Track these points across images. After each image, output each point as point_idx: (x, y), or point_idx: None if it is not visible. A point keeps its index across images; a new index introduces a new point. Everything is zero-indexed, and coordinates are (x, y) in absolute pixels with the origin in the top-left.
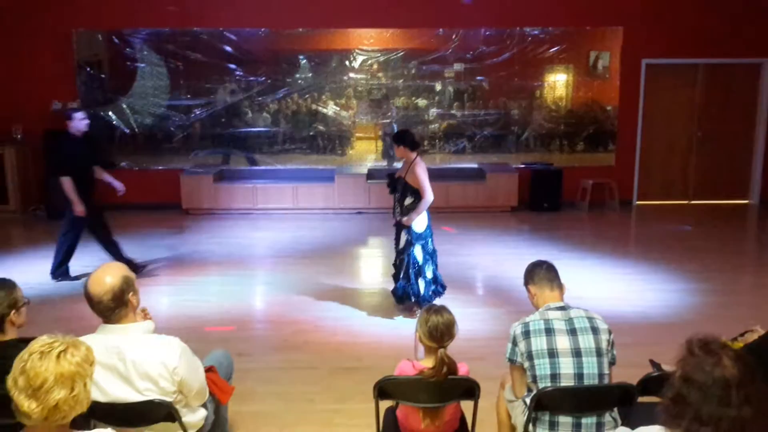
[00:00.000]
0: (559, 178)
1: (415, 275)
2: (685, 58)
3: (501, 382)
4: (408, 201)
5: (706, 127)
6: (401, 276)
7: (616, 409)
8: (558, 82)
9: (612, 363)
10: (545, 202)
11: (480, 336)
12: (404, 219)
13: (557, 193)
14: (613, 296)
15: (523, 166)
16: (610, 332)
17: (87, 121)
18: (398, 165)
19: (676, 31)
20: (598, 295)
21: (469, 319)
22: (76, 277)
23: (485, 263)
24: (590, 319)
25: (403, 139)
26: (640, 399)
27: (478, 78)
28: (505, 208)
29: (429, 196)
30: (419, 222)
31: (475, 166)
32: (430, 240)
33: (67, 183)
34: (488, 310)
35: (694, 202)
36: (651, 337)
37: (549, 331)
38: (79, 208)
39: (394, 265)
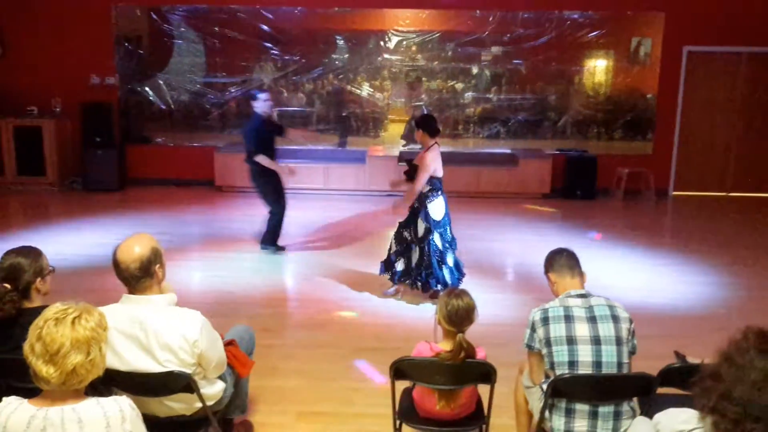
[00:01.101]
0: (594, 166)
1: (437, 263)
2: (728, 46)
3: (519, 368)
4: (425, 189)
5: (748, 118)
6: (423, 265)
7: (635, 399)
8: (597, 68)
9: (632, 352)
10: (579, 189)
11: (503, 322)
12: (392, 207)
13: (592, 180)
14: (643, 287)
15: (557, 152)
16: (631, 321)
17: (271, 103)
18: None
19: (720, 18)
20: (627, 285)
21: (494, 304)
22: (282, 248)
23: (513, 250)
24: (611, 307)
25: (425, 124)
26: (661, 390)
27: (515, 61)
28: (537, 194)
29: (418, 185)
30: (437, 209)
31: (508, 151)
32: (448, 228)
33: (265, 159)
34: (513, 297)
35: (732, 194)
36: (679, 329)
37: (568, 318)
38: (286, 174)
39: (397, 241)
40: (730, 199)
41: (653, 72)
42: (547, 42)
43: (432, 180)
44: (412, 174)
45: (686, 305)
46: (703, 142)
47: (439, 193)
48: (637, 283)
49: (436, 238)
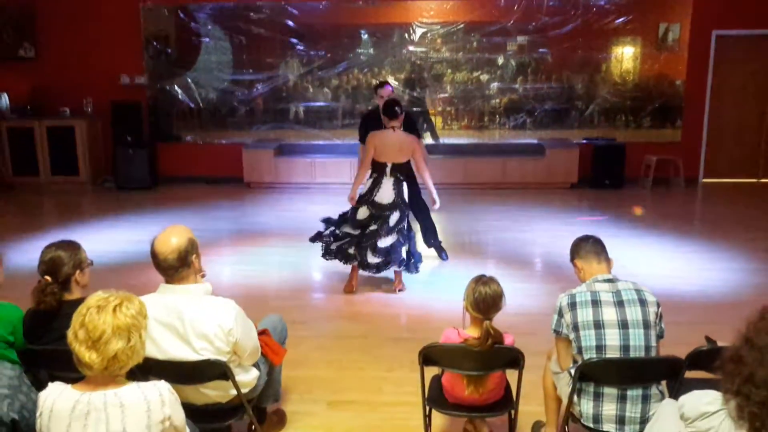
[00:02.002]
0: (621, 154)
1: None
2: (757, 29)
3: (547, 354)
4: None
5: None
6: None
7: (664, 383)
8: (625, 55)
9: (660, 336)
10: (607, 178)
11: (532, 311)
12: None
13: (620, 169)
14: (672, 274)
15: (584, 141)
16: (658, 305)
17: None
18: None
19: (749, 1)
20: (656, 273)
21: (522, 294)
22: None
23: (541, 240)
24: (638, 291)
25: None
26: (689, 374)
27: (541, 50)
28: (565, 184)
29: (360, 164)
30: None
31: (534, 141)
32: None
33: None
34: (541, 286)
35: (763, 180)
36: (708, 316)
37: (595, 303)
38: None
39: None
40: (761, 186)
41: (681, 58)
42: (572, 30)
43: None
44: None
45: (716, 292)
46: (733, 128)
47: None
48: (667, 271)
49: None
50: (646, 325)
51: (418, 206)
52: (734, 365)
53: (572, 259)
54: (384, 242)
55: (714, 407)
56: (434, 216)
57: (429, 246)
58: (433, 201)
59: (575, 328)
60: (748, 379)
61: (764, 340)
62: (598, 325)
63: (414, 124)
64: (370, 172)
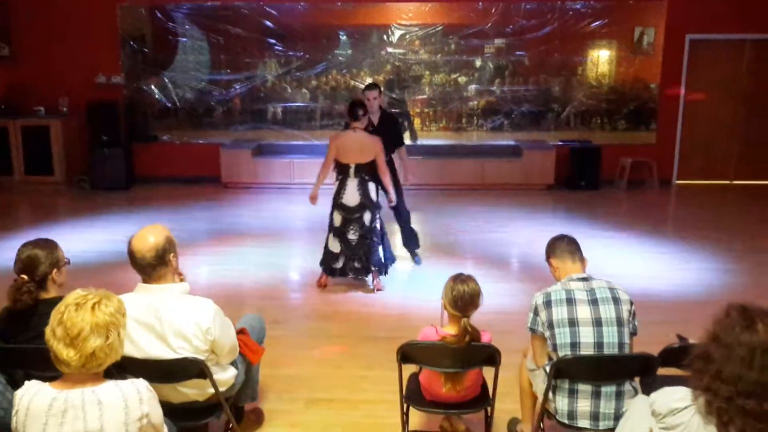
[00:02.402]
0: (597, 156)
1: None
2: (731, 34)
3: (523, 352)
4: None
5: (751, 106)
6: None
7: (637, 379)
8: (600, 58)
9: (633, 333)
10: (583, 180)
11: (509, 310)
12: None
13: (595, 171)
14: (648, 274)
15: (561, 143)
16: (631, 303)
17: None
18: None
19: (722, 5)
20: (630, 273)
21: (500, 293)
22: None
23: (518, 240)
24: (612, 289)
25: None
26: (661, 370)
27: (518, 53)
28: (542, 185)
29: (324, 163)
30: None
31: (511, 143)
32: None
33: None
34: (518, 286)
35: (735, 182)
36: (682, 315)
37: (570, 301)
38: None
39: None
40: (733, 187)
41: (656, 61)
42: (549, 33)
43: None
44: None
45: (689, 291)
46: (707, 131)
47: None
48: (640, 271)
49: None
50: (620, 323)
51: (399, 213)
52: (702, 362)
53: (547, 258)
54: (369, 243)
55: (684, 403)
56: (414, 216)
57: (408, 250)
58: (390, 199)
59: (550, 325)
60: (716, 376)
61: (730, 337)
62: (573, 323)
63: (397, 125)
64: (336, 174)
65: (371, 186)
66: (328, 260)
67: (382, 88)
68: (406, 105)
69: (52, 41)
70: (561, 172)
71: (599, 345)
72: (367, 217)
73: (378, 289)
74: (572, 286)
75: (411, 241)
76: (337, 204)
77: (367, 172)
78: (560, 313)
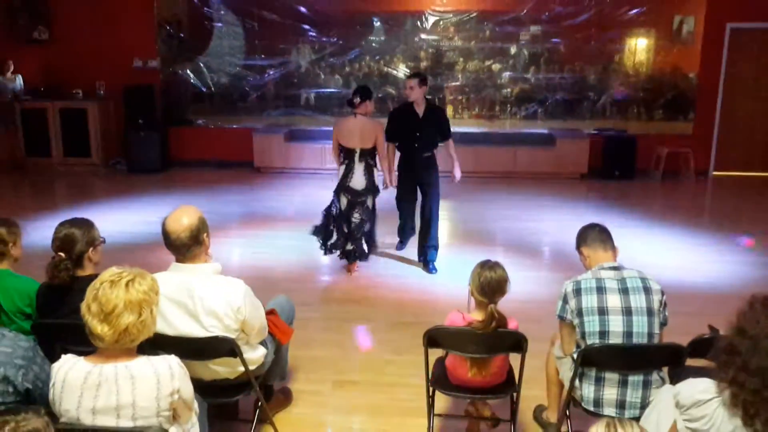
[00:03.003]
0: (632, 146)
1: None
2: None
3: (551, 339)
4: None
5: None
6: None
7: (665, 369)
8: (638, 46)
9: (663, 324)
10: (617, 169)
11: (539, 299)
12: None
13: (630, 161)
14: (681, 266)
15: (595, 132)
16: (662, 293)
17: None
18: None
19: None
20: (664, 264)
21: (529, 282)
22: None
23: (549, 229)
24: (643, 279)
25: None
26: (690, 361)
27: (554, 40)
28: (575, 175)
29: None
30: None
31: (545, 131)
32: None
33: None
34: (548, 275)
35: None
36: (716, 307)
37: (600, 290)
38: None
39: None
40: None
41: (695, 50)
42: (586, 20)
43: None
44: None
45: (724, 284)
46: (745, 121)
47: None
48: (675, 262)
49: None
50: (650, 313)
51: (422, 208)
52: (728, 355)
53: (578, 247)
54: (366, 226)
55: (708, 395)
56: (445, 203)
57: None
58: (385, 184)
59: (579, 313)
60: (742, 368)
61: (755, 329)
62: (602, 311)
63: (444, 117)
64: (342, 158)
65: (376, 171)
66: (325, 237)
67: (427, 78)
68: (442, 95)
69: (91, 26)
70: (595, 162)
71: (628, 334)
72: (369, 201)
73: (352, 272)
74: (603, 275)
75: (422, 243)
76: (344, 187)
77: (372, 156)
78: (590, 301)
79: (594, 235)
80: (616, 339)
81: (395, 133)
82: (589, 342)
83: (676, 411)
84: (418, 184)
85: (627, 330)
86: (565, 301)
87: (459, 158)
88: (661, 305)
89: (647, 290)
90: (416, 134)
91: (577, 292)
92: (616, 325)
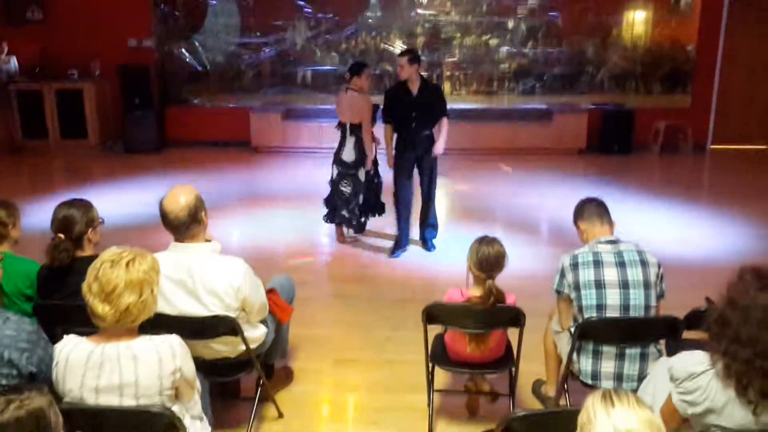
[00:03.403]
0: (630, 120)
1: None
2: None
3: (549, 314)
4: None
5: None
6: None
7: (663, 343)
8: (636, 19)
9: (660, 296)
10: (615, 144)
11: (537, 274)
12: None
13: (628, 135)
14: (679, 239)
15: (593, 106)
16: (659, 266)
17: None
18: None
19: None
20: (662, 238)
21: (528, 257)
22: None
23: (548, 204)
24: (640, 252)
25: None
26: (687, 334)
27: (551, 14)
28: (573, 150)
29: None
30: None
31: (543, 106)
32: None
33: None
34: (548, 250)
35: None
36: (714, 280)
37: (597, 263)
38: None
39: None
40: None
41: (693, 22)
42: None
43: None
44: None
45: (721, 257)
46: (744, 93)
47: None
48: (673, 236)
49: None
50: (647, 285)
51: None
52: (719, 327)
53: (575, 221)
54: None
55: (701, 367)
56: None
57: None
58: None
59: (576, 287)
60: (734, 339)
61: (746, 300)
62: (599, 285)
63: (440, 96)
64: (340, 131)
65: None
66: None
67: (418, 56)
68: (440, 71)
69: (84, 5)
70: (593, 137)
71: (626, 307)
72: (361, 174)
73: (340, 239)
74: (600, 249)
75: (423, 221)
76: (337, 159)
77: (361, 131)
78: (587, 275)
79: (591, 210)
80: (613, 312)
81: (391, 112)
82: (586, 315)
83: (671, 384)
84: (417, 164)
85: (624, 303)
86: (563, 275)
87: (448, 135)
88: (658, 278)
89: (644, 263)
90: (412, 114)
91: (575, 266)
92: (613, 298)
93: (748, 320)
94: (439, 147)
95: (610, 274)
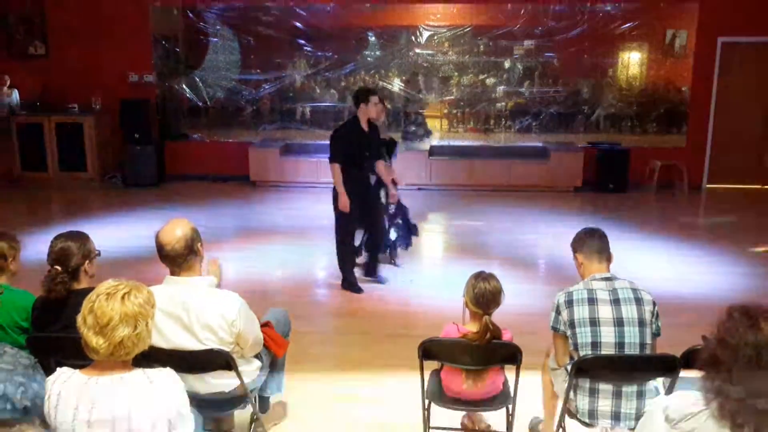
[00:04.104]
0: (626, 159)
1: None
2: (764, 36)
3: (546, 351)
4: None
5: None
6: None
7: (661, 381)
8: (631, 60)
9: (656, 334)
10: (611, 182)
11: (533, 312)
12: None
13: (624, 174)
14: (675, 277)
15: (589, 145)
16: (654, 304)
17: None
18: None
19: (755, 8)
20: (659, 276)
21: (524, 294)
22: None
23: (544, 242)
24: (635, 290)
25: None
26: (685, 372)
27: (547, 55)
28: (569, 188)
29: None
30: None
31: (539, 144)
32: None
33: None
34: (543, 288)
35: (767, 187)
36: (711, 318)
37: (592, 301)
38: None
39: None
40: (766, 192)
41: (687, 64)
42: (579, 35)
43: None
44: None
45: (718, 295)
46: (738, 134)
47: None
48: (669, 274)
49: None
50: (641, 323)
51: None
52: (711, 367)
53: (574, 251)
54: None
55: (696, 408)
56: (439, 216)
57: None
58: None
59: (572, 325)
60: (726, 379)
61: (735, 339)
62: (594, 323)
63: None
64: None
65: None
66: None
67: (358, 97)
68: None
69: (86, 40)
70: (589, 175)
71: (620, 345)
72: (382, 197)
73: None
74: (594, 286)
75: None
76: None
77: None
78: (582, 312)
79: (592, 246)
80: (608, 350)
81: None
82: (581, 353)
83: (666, 425)
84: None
85: (619, 341)
86: (558, 312)
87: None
88: (653, 315)
89: (638, 301)
90: (365, 153)
91: (569, 303)
92: (608, 336)
93: (738, 359)
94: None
95: (605, 312)
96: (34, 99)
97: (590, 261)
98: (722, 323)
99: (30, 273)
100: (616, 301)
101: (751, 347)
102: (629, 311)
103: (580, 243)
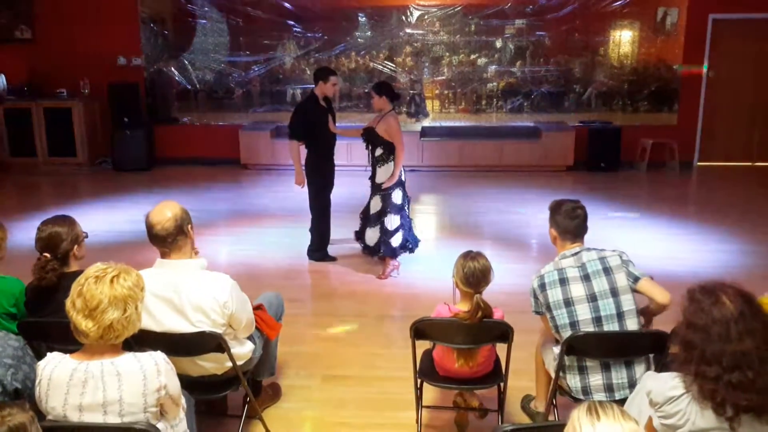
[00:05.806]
0: (617, 138)
1: (389, 237)
2: (755, 13)
3: (540, 330)
4: (378, 152)
5: None
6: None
7: (651, 357)
8: (622, 39)
9: (638, 278)
10: (603, 161)
11: (524, 290)
12: (384, 185)
13: (615, 152)
14: (665, 255)
15: (580, 124)
16: (620, 258)
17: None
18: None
19: None
20: (649, 254)
21: (515, 274)
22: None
23: (536, 222)
24: (602, 259)
25: (386, 89)
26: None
27: (539, 33)
28: (561, 167)
29: (402, 147)
30: (396, 193)
31: (530, 124)
32: (407, 208)
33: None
34: (535, 267)
35: (758, 164)
36: None
37: (563, 281)
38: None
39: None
40: (755, 169)
41: (679, 42)
42: (570, 13)
43: (391, 146)
44: (371, 140)
45: (706, 272)
46: (729, 111)
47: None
48: (660, 252)
49: (395, 219)
50: (614, 293)
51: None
52: (686, 351)
53: (550, 223)
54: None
55: (678, 391)
56: (432, 198)
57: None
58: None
59: (548, 308)
60: (701, 360)
61: (702, 319)
62: (568, 303)
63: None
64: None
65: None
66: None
67: (317, 76)
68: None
69: (74, 24)
70: (581, 154)
71: (597, 320)
72: (392, 195)
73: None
74: (564, 264)
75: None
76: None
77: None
78: (555, 294)
79: (570, 227)
80: (586, 327)
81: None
82: (563, 334)
83: (651, 409)
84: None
85: (595, 315)
86: (535, 297)
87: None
88: (626, 273)
89: (607, 271)
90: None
91: (542, 287)
92: (583, 313)
93: (709, 338)
94: None
95: (577, 290)
96: (22, 84)
97: (563, 239)
98: (686, 308)
99: (19, 258)
100: (586, 277)
101: (720, 323)
102: (600, 284)
103: (558, 220)
